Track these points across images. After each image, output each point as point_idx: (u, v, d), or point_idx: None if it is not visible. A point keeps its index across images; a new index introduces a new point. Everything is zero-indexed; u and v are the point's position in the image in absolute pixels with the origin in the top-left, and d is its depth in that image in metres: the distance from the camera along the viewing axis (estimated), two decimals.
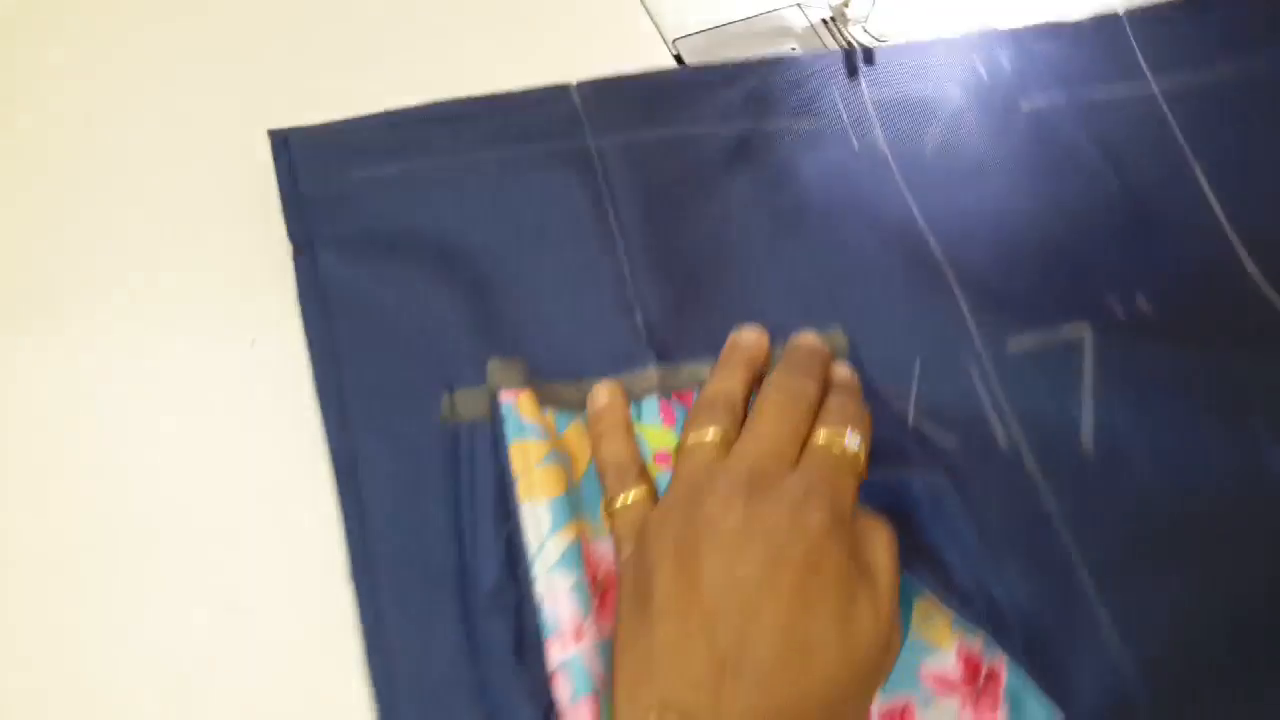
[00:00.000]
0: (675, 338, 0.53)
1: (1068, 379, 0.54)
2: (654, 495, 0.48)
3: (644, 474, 0.49)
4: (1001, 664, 0.46)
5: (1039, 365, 0.54)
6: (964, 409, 0.53)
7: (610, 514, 0.48)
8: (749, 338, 0.52)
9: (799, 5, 0.62)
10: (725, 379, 0.50)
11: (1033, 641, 0.46)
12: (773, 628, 0.40)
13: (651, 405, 0.51)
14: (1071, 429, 0.53)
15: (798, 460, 0.46)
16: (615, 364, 0.52)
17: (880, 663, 0.43)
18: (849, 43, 0.60)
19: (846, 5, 0.59)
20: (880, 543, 0.45)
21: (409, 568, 0.47)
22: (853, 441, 0.46)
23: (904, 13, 0.61)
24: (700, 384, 0.52)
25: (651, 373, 0.52)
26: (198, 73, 0.60)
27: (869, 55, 0.57)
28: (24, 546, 0.48)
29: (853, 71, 0.59)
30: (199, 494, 0.50)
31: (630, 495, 0.48)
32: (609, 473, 0.49)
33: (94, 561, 0.48)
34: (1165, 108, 0.64)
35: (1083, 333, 0.55)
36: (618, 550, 0.47)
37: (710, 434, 0.47)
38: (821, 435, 0.46)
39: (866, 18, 0.58)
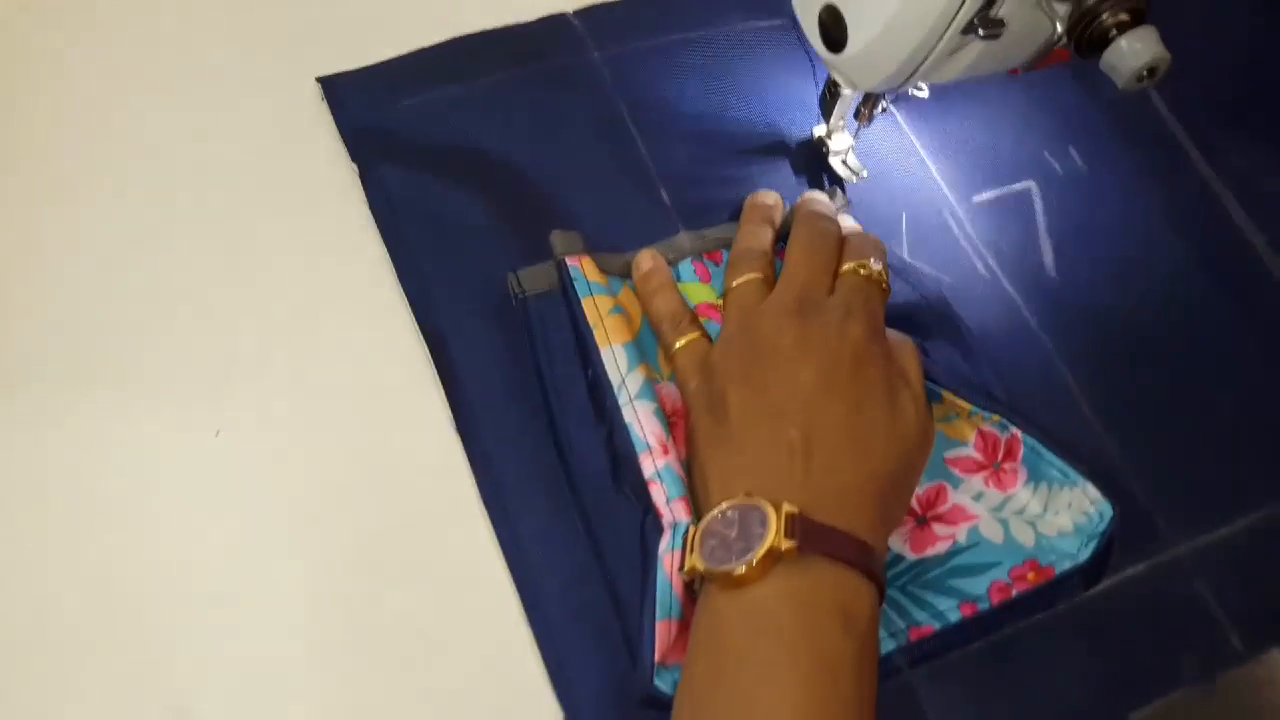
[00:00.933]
0: (698, 209, 0.61)
1: (1026, 220, 0.64)
2: (707, 336, 0.55)
3: (695, 320, 0.56)
4: (1016, 439, 0.54)
5: (1001, 211, 0.64)
6: (947, 250, 0.62)
7: (670, 356, 0.55)
8: (765, 197, 0.59)
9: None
10: (752, 233, 0.58)
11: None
12: (834, 422, 0.48)
13: (687, 267, 0.59)
14: (1036, 258, 0.63)
15: (832, 288, 0.54)
16: (650, 237, 0.60)
17: (921, 450, 0.52)
18: (827, 175, 0.65)
19: (829, 136, 0.62)
20: (907, 352, 0.53)
21: (503, 415, 0.54)
22: (876, 265, 0.54)
23: (882, 147, 0.65)
24: (727, 244, 0.59)
25: (683, 239, 0.60)
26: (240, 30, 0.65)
27: (843, 189, 0.63)
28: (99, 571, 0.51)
29: None
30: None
31: (687, 338, 0.55)
32: (664, 322, 0.56)
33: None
34: None
35: (1029, 185, 0.65)
36: (683, 383, 0.54)
37: (751, 277, 0.55)
38: (850, 264, 0.54)
39: (847, 151, 0.62)
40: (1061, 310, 0.61)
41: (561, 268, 0.56)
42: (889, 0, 0.47)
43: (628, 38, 0.66)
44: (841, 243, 0.56)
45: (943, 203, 0.64)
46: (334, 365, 0.56)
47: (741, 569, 0.44)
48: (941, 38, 0.46)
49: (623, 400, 0.52)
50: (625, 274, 0.58)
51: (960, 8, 0.45)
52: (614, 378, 0.53)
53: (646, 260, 0.58)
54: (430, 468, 0.54)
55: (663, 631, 0.47)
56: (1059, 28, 0.45)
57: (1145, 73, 0.45)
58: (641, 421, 0.52)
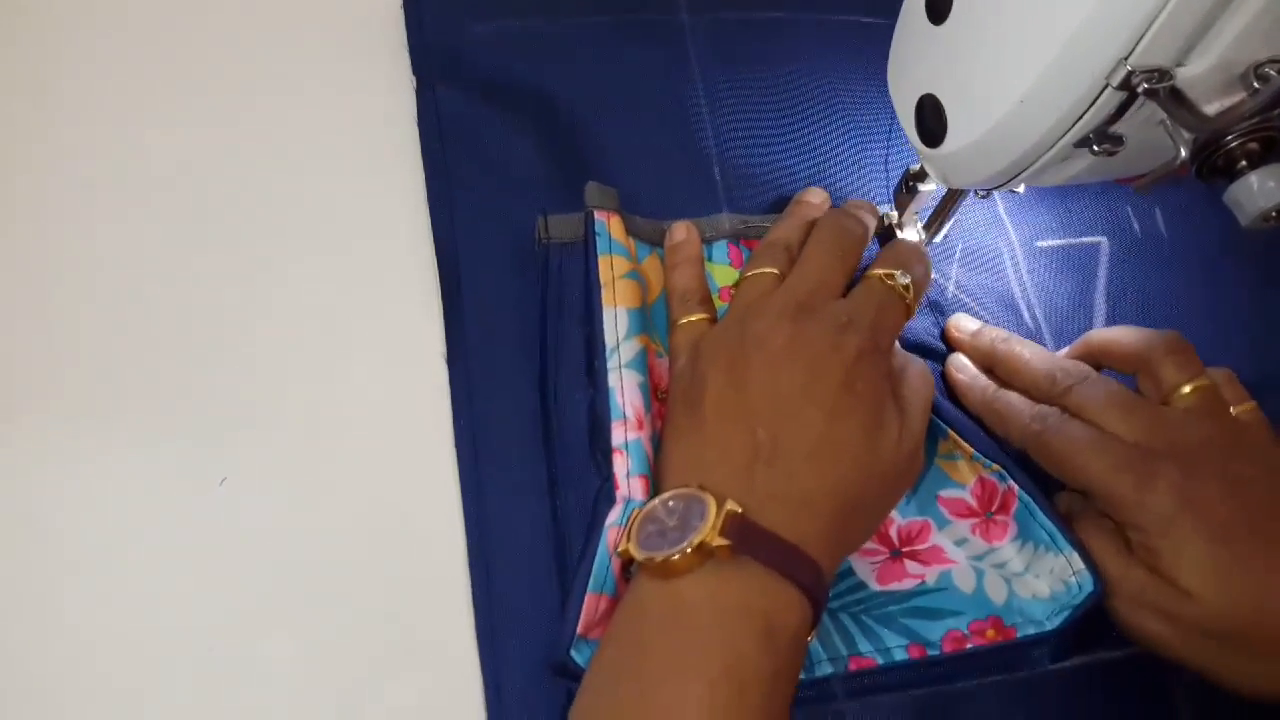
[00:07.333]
0: (747, 194, 0.55)
1: (1087, 277, 0.56)
2: (714, 319, 0.50)
3: (707, 301, 0.51)
4: (1013, 493, 0.49)
5: (1063, 262, 0.56)
6: (998, 290, 0.55)
7: (671, 331, 0.50)
8: (813, 195, 0.53)
9: None
10: (785, 228, 0.51)
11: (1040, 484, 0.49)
12: (806, 430, 0.43)
13: (721, 247, 0.53)
14: (1086, 319, 0.55)
15: (845, 292, 0.48)
16: (693, 210, 0.54)
17: (896, 481, 0.46)
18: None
19: (899, 227, 0.54)
20: (918, 381, 0.47)
21: (497, 359, 0.50)
22: (904, 279, 0.48)
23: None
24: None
25: (724, 219, 0.54)
26: None
27: None
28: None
29: None
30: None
31: (691, 316, 0.49)
32: (676, 296, 0.51)
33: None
34: None
35: (1100, 241, 0.57)
36: (672, 360, 0.49)
37: (766, 270, 0.49)
38: (877, 271, 0.48)
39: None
40: None
41: (588, 219, 0.50)
42: (999, 102, 0.38)
43: (724, 5, 0.59)
44: (862, 245, 0.50)
45: (1004, 241, 0.56)
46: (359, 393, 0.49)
47: (672, 556, 0.40)
48: (1052, 148, 0.38)
49: (612, 364, 0.47)
50: (657, 242, 0.53)
51: (1078, 120, 0.37)
52: (609, 339, 0.48)
53: (681, 231, 0.52)
54: (416, 400, 0.49)
55: (590, 604, 0.43)
56: (1183, 152, 0.36)
57: (1274, 213, 0.37)
58: (625, 390, 0.47)
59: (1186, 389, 0.47)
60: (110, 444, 0.47)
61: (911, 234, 0.54)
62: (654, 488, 0.45)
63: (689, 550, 0.39)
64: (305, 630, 0.45)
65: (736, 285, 0.50)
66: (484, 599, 0.46)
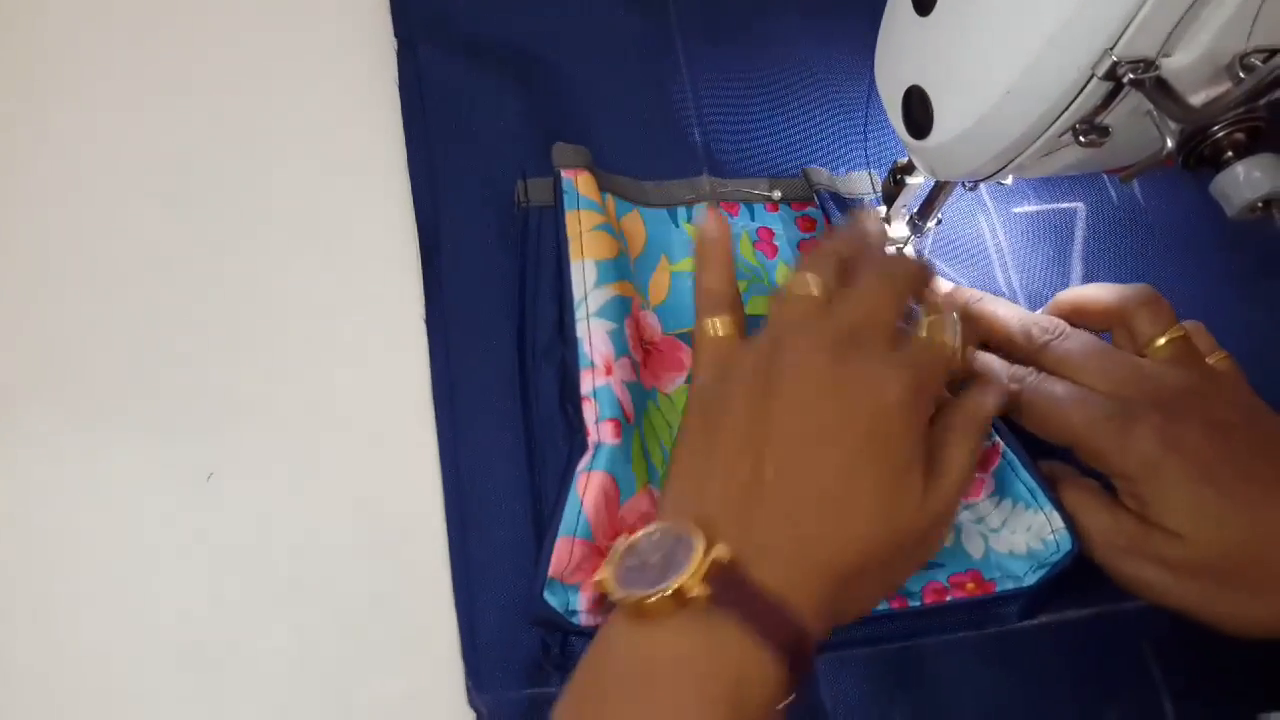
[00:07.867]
0: (727, 157, 0.55)
1: (1063, 241, 0.56)
2: (742, 330, 0.46)
3: (737, 306, 0.47)
4: (995, 450, 0.48)
5: (1040, 227, 0.56)
6: (973, 254, 0.55)
7: (697, 335, 0.47)
8: (873, 226, 0.49)
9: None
10: (839, 242, 0.47)
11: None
12: (817, 475, 0.40)
13: (701, 211, 0.53)
14: (1063, 282, 0.55)
15: (893, 335, 0.44)
16: (673, 172, 0.54)
17: (913, 549, 0.42)
18: None
19: (889, 222, 0.52)
20: (961, 447, 0.43)
21: (476, 316, 0.49)
22: (950, 337, 0.44)
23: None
24: (746, 198, 0.54)
25: (704, 182, 0.54)
26: None
27: None
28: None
29: None
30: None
31: (719, 323, 0.46)
32: (704, 297, 0.47)
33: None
34: None
35: (1077, 206, 0.57)
36: (695, 370, 0.46)
37: (812, 286, 0.44)
38: (923, 328, 0.45)
39: (905, 242, 0.52)
40: None
41: (556, 179, 0.50)
42: (984, 94, 0.38)
43: None
44: (921, 287, 0.47)
45: (980, 205, 0.56)
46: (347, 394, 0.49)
47: (648, 598, 0.37)
48: (1038, 139, 0.38)
49: (580, 315, 0.47)
50: (639, 200, 0.53)
51: (1064, 111, 0.37)
52: (578, 291, 0.48)
53: (712, 227, 0.48)
54: (395, 368, 0.49)
55: (562, 547, 0.43)
56: (1169, 143, 0.36)
57: (1260, 204, 0.37)
58: (592, 338, 0.47)
59: (1161, 341, 0.47)
60: (97, 439, 0.46)
61: (900, 229, 0.53)
62: (630, 432, 0.45)
63: (667, 593, 0.36)
64: (292, 602, 0.45)
65: (776, 297, 0.46)
66: (460, 559, 0.45)
